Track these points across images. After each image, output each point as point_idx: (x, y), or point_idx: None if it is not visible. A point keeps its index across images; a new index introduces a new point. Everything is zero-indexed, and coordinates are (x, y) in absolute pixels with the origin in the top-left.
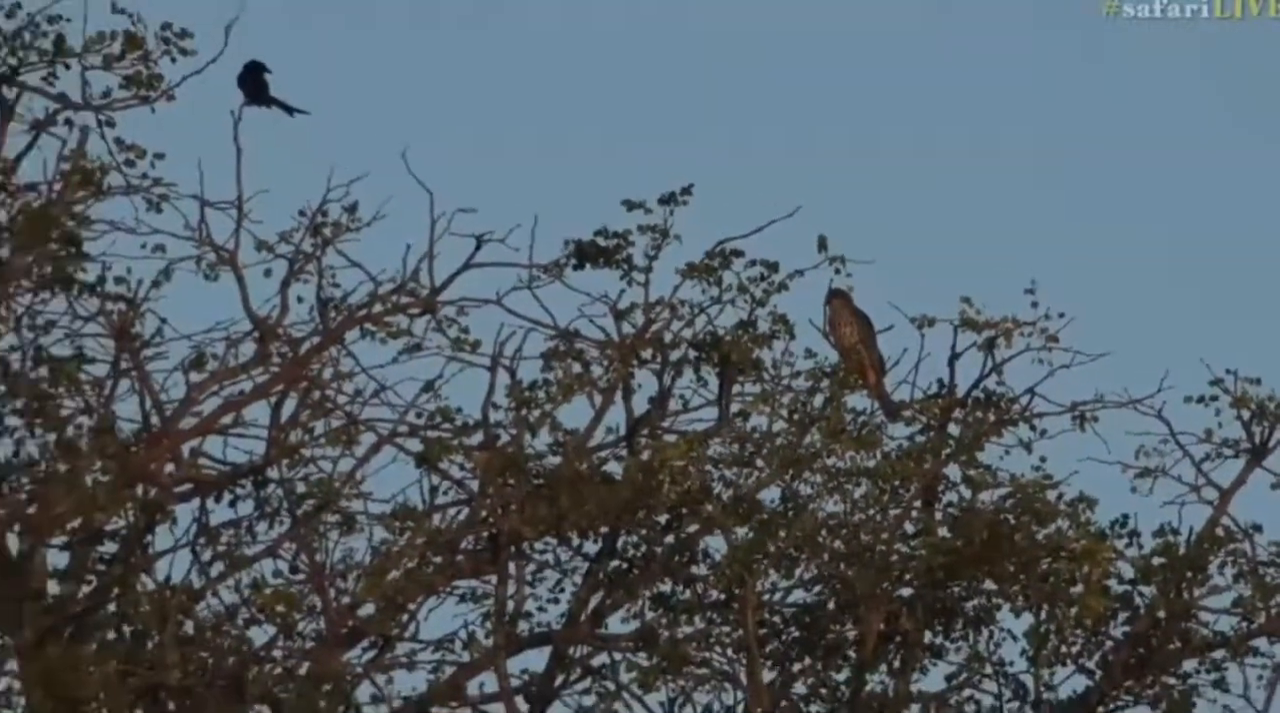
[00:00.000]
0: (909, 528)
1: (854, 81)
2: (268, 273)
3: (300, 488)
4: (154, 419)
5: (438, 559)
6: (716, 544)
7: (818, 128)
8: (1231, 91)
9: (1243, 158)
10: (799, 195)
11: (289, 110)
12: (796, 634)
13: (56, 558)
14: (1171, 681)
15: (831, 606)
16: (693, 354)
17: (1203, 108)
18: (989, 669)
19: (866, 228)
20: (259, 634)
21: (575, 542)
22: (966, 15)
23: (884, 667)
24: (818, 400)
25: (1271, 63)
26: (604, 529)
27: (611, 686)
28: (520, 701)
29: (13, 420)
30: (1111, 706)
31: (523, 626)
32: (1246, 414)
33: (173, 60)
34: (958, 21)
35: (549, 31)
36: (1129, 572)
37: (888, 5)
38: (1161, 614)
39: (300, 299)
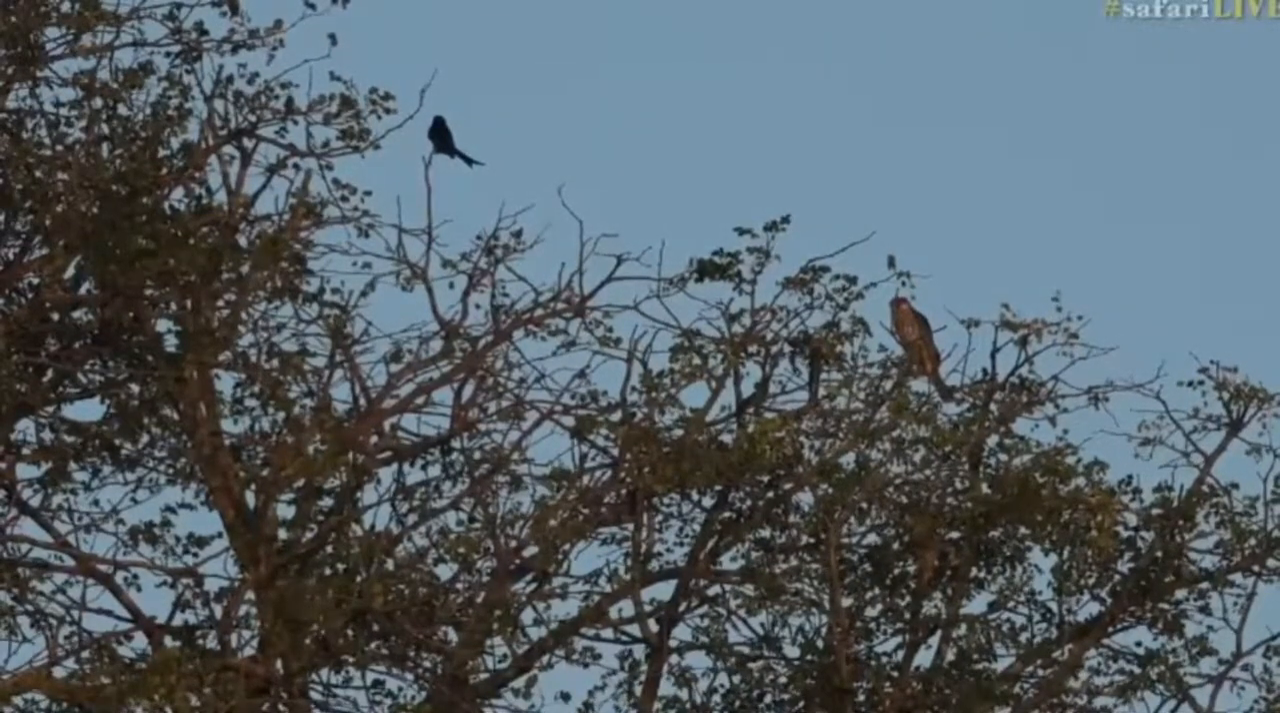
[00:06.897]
0: (957, 485)
1: (868, 91)
2: (451, 285)
3: (477, 455)
4: (362, 400)
5: (586, 511)
6: (806, 499)
7: (866, 146)
8: (1231, 91)
9: (1242, 157)
10: (872, 220)
11: (468, 161)
12: (869, 569)
13: (285, 510)
14: (1166, 606)
15: (896, 546)
16: (788, 349)
17: (1203, 108)
18: (1021, 597)
19: (921, 241)
20: (445, 571)
21: (695, 497)
22: (966, 16)
23: (938, 595)
24: (887, 385)
25: (1272, 63)
26: (718, 487)
27: (723, 611)
28: (651, 623)
29: (251, 402)
30: (1119, 626)
31: (653, 563)
32: (1226, 396)
33: (378, 117)
34: (957, 22)
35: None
36: (1133, 520)
37: (888, 7)
38: (1159, 554)
39: (477, 306)
